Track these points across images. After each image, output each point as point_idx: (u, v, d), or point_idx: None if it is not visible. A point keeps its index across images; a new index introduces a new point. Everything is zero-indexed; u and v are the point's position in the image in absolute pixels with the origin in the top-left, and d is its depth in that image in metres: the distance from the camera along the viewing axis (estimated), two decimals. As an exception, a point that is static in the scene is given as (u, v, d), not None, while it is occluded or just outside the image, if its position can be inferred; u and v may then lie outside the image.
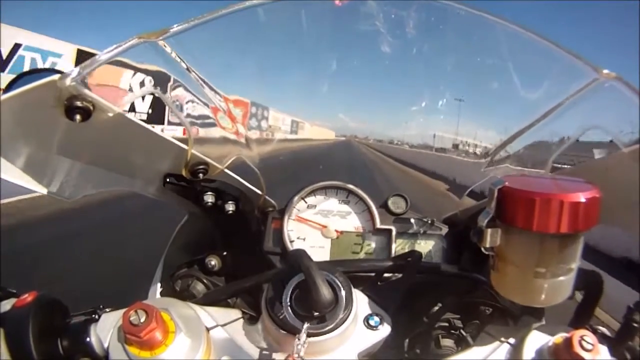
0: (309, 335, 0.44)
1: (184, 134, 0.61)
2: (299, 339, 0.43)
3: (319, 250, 0.79)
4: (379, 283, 0.63)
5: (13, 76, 0.63)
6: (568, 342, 0.41)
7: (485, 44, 0.59)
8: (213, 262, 0.78)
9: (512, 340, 0.48)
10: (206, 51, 0.58)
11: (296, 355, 0.41)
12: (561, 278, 0.42)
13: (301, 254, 0.48)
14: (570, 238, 0.41)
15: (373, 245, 0.79)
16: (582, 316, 0.57)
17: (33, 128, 0.48)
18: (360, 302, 0.51)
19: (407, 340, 0.67)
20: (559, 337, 0.43)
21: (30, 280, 2.40)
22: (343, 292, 0.47)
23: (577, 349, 0.40)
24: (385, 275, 0.63)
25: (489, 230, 0.42)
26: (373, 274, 0.63)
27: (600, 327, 0.50)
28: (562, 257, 0.42)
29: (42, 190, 0.53)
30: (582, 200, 0.39)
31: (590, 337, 0.41)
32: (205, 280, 0.77)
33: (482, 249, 0.44)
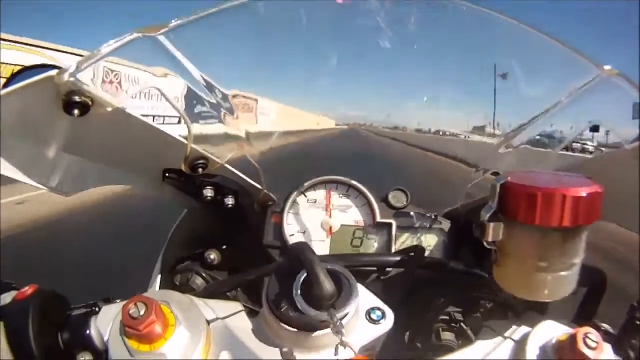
0: (308, 329, 0.44)
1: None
2: (339, 326, 0.43)
3: (319, 244, 0.79)
4: (381, 277, 0.63)
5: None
6: (572, 339, 0.41)
7: (487, 40, 0.59)
8: (213, 256, 0.78)
9: (515, 337, 0.48)
10: (206, 46, 0.57)
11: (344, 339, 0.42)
12: (564, 273, 0.42)
13: (304, 247, 0.48)
14: (573, 232, 0.41)
15: (374, 239, 0.79)
16: (585, 313, 0.57)
17: (32, 124, 0.48)
18: (363, 296, 0.51)
19: (407, 333, 0.68)
20: (563, 335, 0.43)
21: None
22: (346, 286, 0.47)
23: (582, 347, 0.40)
24: (388, 269, 0.63)
25: (492, 225, 0.42)
26: (376, 269, 0.63)
27: (604, 325, 0.50)
28: (564, 252, 0.42)
29: (41, 186, 0.53)
30: (584, 194, 0.39)
31: (594, 335, 0.41)
32: (204, 275, 0.77)
33: (485, 243, 0.44)
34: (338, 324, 0.42)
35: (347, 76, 0.77)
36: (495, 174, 0.70)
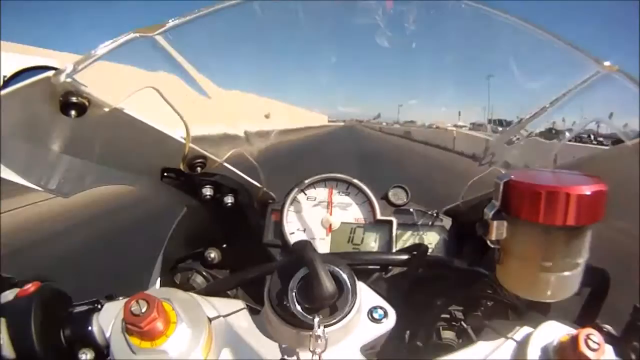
0: (312, 327, 0.44)
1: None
2: (315, 337, 0.42)
3: (319, 242, 0.78)
4: (383, 276, 0.62)
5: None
6: (574, 340, 0.40)
7: (486, 37, 0.59)
8: (212, 254, 0.78)
9: (517, 337, 0.47)
10: (203, 45, 0.57)
11: (318, 351, 0.42)
12: (567, 273, 0.42)
13: (306, 245, 0.47)
14: (577, 231, 0.41)
15: (374, 236, 0.79)
16: (588, 314, 0.57)
17: (30, 125, 0.48)
18: (365, 294, 0.51)
19: (407, 331, 0.67)
20: (565, 336, 0.43)
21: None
22: (347, 285, 0.47)
23: (583, 348, 0.39)
24: (390, 267, 0.63)
25: (495, 223, 0.42)
26: (378, 267, 0.62)
27: (606, 326, 0.50)
28: (568, 251, 0.41)
29: (40, 187, 0.53)
30: (588, 193, 0.38)
31: (596, 336, 0.40)
32: (204, 273, 0.77)
33: (488, 242, 0.43)
34: (321, 334, 0.42)
35: (344, 72, 0.76)
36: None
